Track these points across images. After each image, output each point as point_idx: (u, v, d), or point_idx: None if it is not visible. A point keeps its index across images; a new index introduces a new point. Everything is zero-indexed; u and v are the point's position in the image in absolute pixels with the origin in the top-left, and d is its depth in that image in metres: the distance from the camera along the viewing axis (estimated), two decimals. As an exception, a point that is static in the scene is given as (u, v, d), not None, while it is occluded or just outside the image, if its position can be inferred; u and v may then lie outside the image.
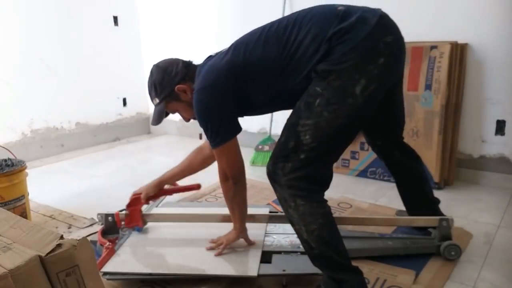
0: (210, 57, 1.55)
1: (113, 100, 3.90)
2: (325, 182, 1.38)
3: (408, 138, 2.55)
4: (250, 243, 1.70)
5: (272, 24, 1.43)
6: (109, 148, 3.69)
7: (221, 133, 1.43)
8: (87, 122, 3.69)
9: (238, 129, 1.48)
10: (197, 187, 1.91)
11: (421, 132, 2.51)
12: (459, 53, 2.46)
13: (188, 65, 1.58)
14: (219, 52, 1.53)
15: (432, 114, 2.46)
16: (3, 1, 3.03)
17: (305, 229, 1.33)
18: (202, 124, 1.46)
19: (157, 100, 1.58)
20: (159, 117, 1.58)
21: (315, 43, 1.30)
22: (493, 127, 2.52)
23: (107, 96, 3.84)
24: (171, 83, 1.54)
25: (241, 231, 1.67)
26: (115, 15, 3.78)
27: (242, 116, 1.54)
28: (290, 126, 1.34)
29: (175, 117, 4.00)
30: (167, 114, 1.63)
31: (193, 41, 3.68)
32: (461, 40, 2.48)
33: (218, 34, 3.51)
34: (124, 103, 3.99)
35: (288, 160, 1.31)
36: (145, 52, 4.05)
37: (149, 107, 4.20)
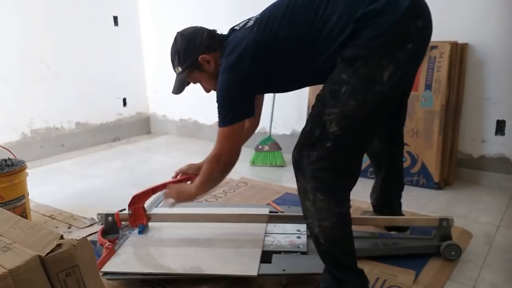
0: (233, 30, 1.53)
1: (113, 100, 3.90)
2: (351, 176, 1.33)
3: (408, 138, 2.55)
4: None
5: None
6: (109, 148, 3.69)
7: (233, 112, 1.43)
8: (87, 122, 3.69)
9: (251, 112, 1.47)
10: (196, 176, 1.87)
11: (421, 132, 2.51)
12: (459, 53, 2.46)
13: (212, 35, 1.55)
14: (243, 25, 1.49)
15: (432, 114, 2.46)
16: (4, 1, 3.03)
17: (318, 224, 1.31)
18: (219, 102, 1.45)
19: (180, 69, 1.57)
20: (180, 86, 1.57)
21: (342, 22, 1.25)
22: (493, 127, 2.52)
23: (107, 96, 3.84)
24: (195, 53, 1.52)
25: (193, 195, 1.66)
26: (115, 15, 3.78)
27: (266, 92, 1.55)
28: (315, 115, 1.31)
29: (175, 117, 4.04)
30: (188, 84, 1.61)
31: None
32: (461, 40, 2.48)
33: (218, 34, 3.51)
34: (124, 103, 3.99)
35: (314, 148, 1.28)
36: (145, 52, 4.05)
37: (149, 107, 4.20)
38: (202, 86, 1.64)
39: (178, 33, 1.59)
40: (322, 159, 1.27)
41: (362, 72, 1.22)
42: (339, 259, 1.35)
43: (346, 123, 1.25)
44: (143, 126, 4.19)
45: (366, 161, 2.69)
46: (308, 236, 1.76)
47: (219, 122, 1.47)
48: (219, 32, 1.60)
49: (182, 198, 1.67)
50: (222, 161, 1.51)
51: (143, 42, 4.04)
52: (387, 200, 1.88)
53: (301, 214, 1.90)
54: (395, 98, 1.34)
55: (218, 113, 1.46)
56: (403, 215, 1.91)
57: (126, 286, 1.58)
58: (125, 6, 3.86)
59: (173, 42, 1.59)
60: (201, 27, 1.59)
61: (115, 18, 3.79)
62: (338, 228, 1.32)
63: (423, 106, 2.49)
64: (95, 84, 3.69)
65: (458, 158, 2.62)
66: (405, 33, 1.23)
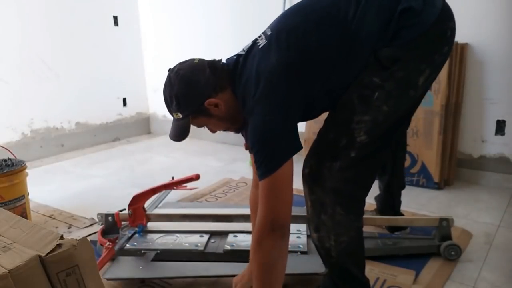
0: (240, 56, 1.25)
1: (113, 100, 3.90)
2: (369, 187, 1.26)
3: (408, 138, 2.54)
4: None
5: (313, 1, 1.21)
6: (109, 148, 3.69)
7: (279, 152, 1.11)
8: (87, 122, 3.69)
9: (299, 145, 1.15)
10: (196, 177, 1.82)
11: (421, 132, 2.51)
12: (459, 53, 2.46)
13: (216, 69, 1.24)
14: (251, 47, 1.23)
15: (432, 114, 2.46)
16: (4, 1, 3.03)
17: (334, 238, 1.23)
18: (258, 146, 1.14)
19: (180, 115, 1.27)
20: (182, 133, 1.29)
21: (381, 20, 1.11)
22: (493, 127, 2.52)
23: (107, 96, 3.83)
24: (199, 98, 1.22)
25: None
26: (115, 15, 3.78)
27: (302, 120, 1.28)
28: (341, 122, 1.17)
29: (175, 117, 4.03)
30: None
31: (193, 41, 3.68)
32: (461, 40, 2.48)
33: (218, 34, 3.50)
34: (124, 103, 3.99)
35: (337, 159, 1.16)
36: (145, 52, 4.05)
37: (149, 107, 4.20)
38: (208, 128, 1.36)
39: (172, 73, 1.24)
40: (344, 170, 1.17)
41: (399, 76, 1.12)
42: (350, 271, 1.30)
43: (376, 132, 1.16)
44: (143, 126, 4.19)
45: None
46: (308, 236, 1.77)
47: (260, 172, 1.12)
48: (220, 58, 1.30)
49: None
50: (277, 226, 1.12)
51: (143, 42, 4.03)
52: (390, 202, 1.90)
53: (301, 214, 1.91)
54: (419, 103, 1.27)
55: (257, 162, 1.13)
56: (402, 214, 1.91)
57: (126, 286, 1.58)
58: (125, 6, 3.86)
59: (167, 83, 1.25)
60: (199, 61, 1.26)
61: (115, 18, 3.79)
62: (354, 242, 1.27)
63: (423, 106, 2.48)
64: (95, 84, 3.68)
65: (458, 158, 2.62)
66: (443, 35, 1.16)
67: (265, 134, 1.13)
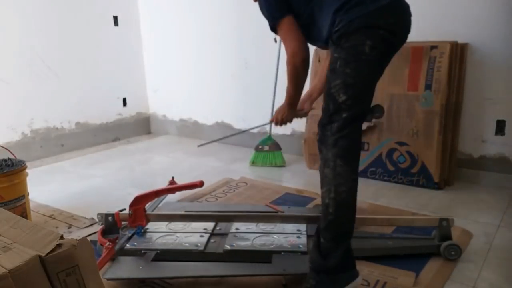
0: None
1: (113, 100, 3.90)
2: (360, 144, 1.52)
3: (408, 138, 2.55)
4: (300, 111, 2.02)
5: None
6: (109, 148, 3.69)
7: (272, 15, 1.66)
8: (87, 122, 3.69)
9: (287, 11, 1.68)
10: (200, 184, 1.82)
11: (421, 132, 2.51)
12: (459, 53, 2.46)
13: None
14: None
15: (432, 114, 2.46)
16: (3, 0, 3.03)
17: (334, 189, 1.42)
18: (263, 10, 1.70)
19: None
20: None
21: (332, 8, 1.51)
22: (493, 127, 2.52)
23: (107, 96, 3.83)
24: None
25: (291, 106, 1.93)
26: (115, 15, 3.78)
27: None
28: (326, 93, 1.50)
29: (175, 117, 4.05)
30: None
31: (193, 41, 3.68)
32: (461, 40, 2.48)
33: (218, 34, 3.51)
34: (124, 103, 3.99)
35: (333, 120, 1.45)
36: (145, 52, 4.05)
37: (149, 107, 4.20)
38: None
39: None
40: (342, 129, 1.43)
41: (346, 46, 1.45)
42: (344, 228, 1.44)
43: (351, 91, 1.43)
44: (143, 126, 4.19)
45: (365, 161, 2.70)
46: (308, 236, 1.77)
47: (271, 26, 1.68)
48: None
49: (282, 108, 1.99)
50: (295, 54, 1.67)
51: (143, 42, 4.03)
52: None
53: (301, 214, 1.92)
54: (383, 68, 1.53)
55: (268, 20, 1.68)
56: None
57: (126, 286, 1.58)
58: (125, 6, 3.86)
59: None
60: None
61: (115, 18, 3.79)
62: (351, 194, 1.44)
63: (423, 106, 2.49)
64: (95, 84, 3.68)
65: (458, 158, 2.62)
66: (376, 22, 1.46)
67: (263, 6, 1.68)
